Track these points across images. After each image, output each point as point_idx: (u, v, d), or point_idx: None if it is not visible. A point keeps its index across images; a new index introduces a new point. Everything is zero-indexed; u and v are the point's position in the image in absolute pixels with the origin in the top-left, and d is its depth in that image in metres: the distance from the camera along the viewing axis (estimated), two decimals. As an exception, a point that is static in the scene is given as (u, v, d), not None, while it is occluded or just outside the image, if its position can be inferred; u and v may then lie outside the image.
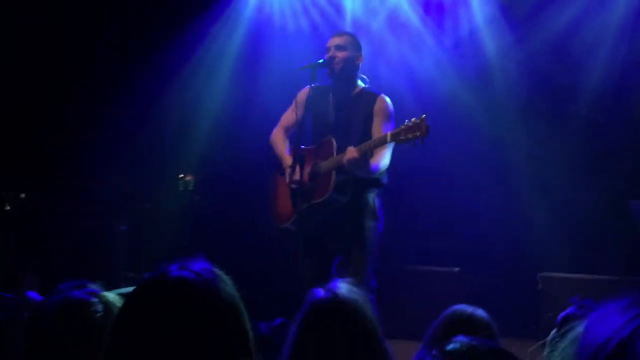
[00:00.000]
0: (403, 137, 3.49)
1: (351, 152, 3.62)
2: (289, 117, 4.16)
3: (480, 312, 2.22)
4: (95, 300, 1.64)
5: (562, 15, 5.22)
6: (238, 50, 5.91)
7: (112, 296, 1.69)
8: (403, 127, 3.51)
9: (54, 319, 1.59)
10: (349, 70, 3.93)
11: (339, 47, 3.91)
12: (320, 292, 1.76)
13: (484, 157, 5.49)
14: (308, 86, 3.93)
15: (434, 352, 1.36)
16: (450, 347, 1.32)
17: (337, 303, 1.70)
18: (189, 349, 1.17)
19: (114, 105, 5.84)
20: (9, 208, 5.49)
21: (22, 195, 5.45)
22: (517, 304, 5.02)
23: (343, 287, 1.78)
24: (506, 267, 5.36)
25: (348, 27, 5.48)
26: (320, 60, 3.88)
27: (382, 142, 3.62)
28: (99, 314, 1.61)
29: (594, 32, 5.14)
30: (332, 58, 3.88)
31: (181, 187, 6.59)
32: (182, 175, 6.56)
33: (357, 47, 3.98)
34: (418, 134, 3.46)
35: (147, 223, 5.91)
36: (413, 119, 3.49)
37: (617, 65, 5.13)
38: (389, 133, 3.58)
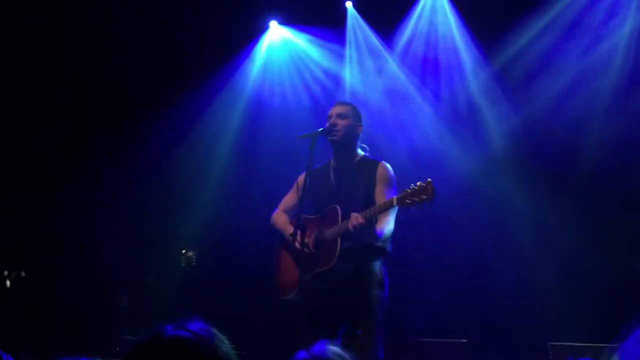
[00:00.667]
0: (409, 201, 3.49)
1: (356, 218, 3.60)
2: (289, 200, 4.18)
3: None
4: None
5: (556, 84, 5.32)
6: (239, 125, 6.01)
7: None
8: (409, 190, 3.51)
9: None
10: (350, 138, 3.96)
11: (340, 116, 3.97)
12: (303, 353, 1.73)
13: (488, 226, 5.47)
14: (305, 171, 3.95)
15: None
16: None
17: None
18: None
19: (114, 182, 5.88)
20: (9, 285, 5.44)
21: (23, 274, 5.41)
22: (529, 376, 4.89)
23: (327, 350, 1.74)
24: (515, 337, 5.24)
25: (347, 99, 5.58)
26: (321, 129, 3.93)
27: (388, 207, 3.61)
28: None
29: (590, 97, 5.22)
30: (334, 125, 3.92)
31: (183, 263, 6.56)
32: (184, 251, 6.54)
33: (358, 116, 4.04)
34: (424, 197, 3.46)
35: (148, 298, 5.84)
36: (419, 183, 3.50)
37: (614, 134, 5.18)
38: (394, 197, 3.57)
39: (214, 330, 1.28)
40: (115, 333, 4.92)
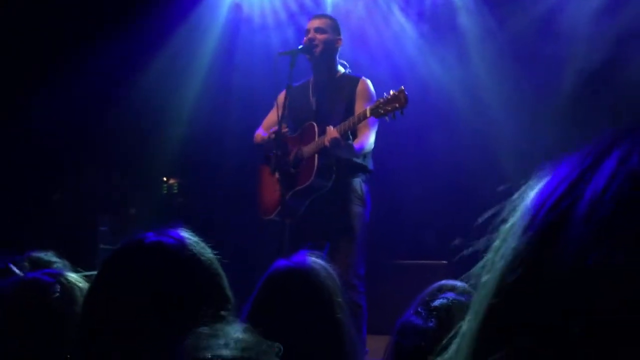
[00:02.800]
0: (382, 110, 3.46)
1: (331, 132, 3.56)
2: (270, 118, 4.11)
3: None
4: (53, 281, 1.54)
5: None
6: (216, 43, 5.84)
7: (74, 276, 1.59)
8: (381, 100, 3.48)
9: (5, 302, 1.49)
10: (329, 53, 3.88)
11: (318, 30, 3.86)
12: (282, 261, 1.74)
13: (471, 147, 5.45)
14: (288, 88, 3.88)
15: (419, 308, 1.30)
16: (436, 302, 1.26)
17: (292, 271, 1.68)
18: (168, 311, 1.13)
19: (95, 105, 5.76)
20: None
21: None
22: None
23: (304, 256, 1.75)
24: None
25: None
26: (300, 46, 3.83)
27: (362, 118, 3.57)
28: (56, 295, 1.50)
29: (573, 17, 5.12)
30: (312, 40, 3.83)
31: (165, 191, 6.53)
32: (165, 179, 6.50)
33: (337, 30, 3.93)
34: (397, 106, 3.43)
35: (130, 225, 5.82)
36: (392, 91, 3.46)
37: (597, 54, 5.11)
38: (368, 108, 3.53)
39: (196, 237, 1.26)
40: (96, 256, 4.91)
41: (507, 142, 5.36)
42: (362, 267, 3.78)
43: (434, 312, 1.23)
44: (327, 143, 3.56)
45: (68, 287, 1.51)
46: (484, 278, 0.54)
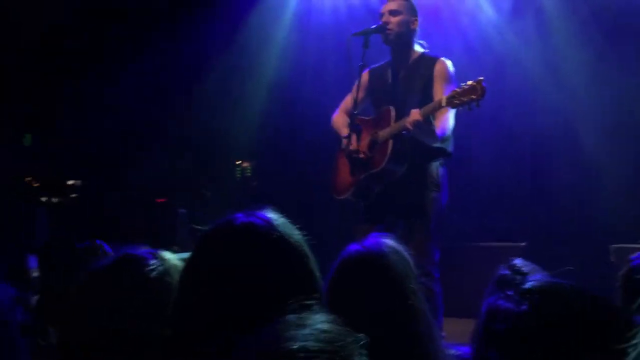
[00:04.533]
0: (458, 101, 3.37)
1: (414, 114, 3.50)
2: (349, 100, 4.09)
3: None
4: (149, 256, 1.58)
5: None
6: (288, 25, 5.85)
7: (169, 254, 1.63)
8: (458, 90, 3.40)
9: (106, 275, 1.54)
10: (405, 34, 3.82)
11: (392, 12, 3.81)
12: (354, 245, 1.71)
13: (549, 127, 5.28)
14: (367, 70, 3.84)
15: (508, 292, 1.26)
16: (528, 285, 1.23)
17: (366, 256, 1.65)
18: (259, 292, 1.15)
19: (171, 90, 5.89)
20: (72, 196, 5.61)
21: (85, 183, 5.56)
22: (589, 278, 4.80)
23: (377, 241, 1.72)
24: (577, 240, 5.14)
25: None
26: (374, 26, 3.79)
27: (438, 106, 3.49)
28: (153, 270, 1.54)
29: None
30: (386, 23, 3.78)
31: (239, 174, 6.63)
32: (239, 162, 6.59)
33: (412, 10, 3.87)
34: (474, 97, 3.33)
35: (206, 209, 5.95)
36: (469, 82, 3.37)
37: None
38: (443, 97, 3.46)
39: (285, 219, 1.26)
40: (177, 235, 5.05)
41: (589, 120, 5.16)
42: (436, 253, 3.73)
43: (527, 295, 1.19)
44: (409, 126, 3.50)
45: (165, 263, 1.55)
46: None
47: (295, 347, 0.83)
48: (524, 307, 1.14)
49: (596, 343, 1.07)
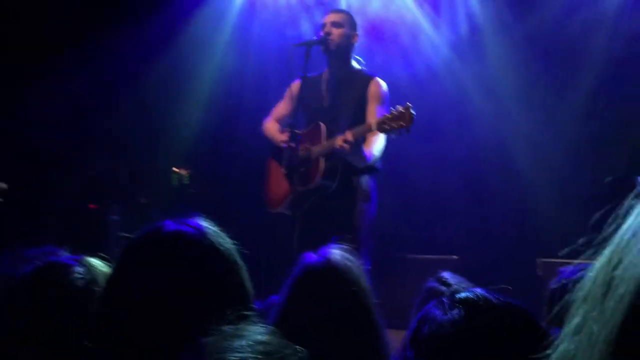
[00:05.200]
0: (388, 126, 3.42)
1: (346, 135, 3.54)
2: (281, 108, 4.12)
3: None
4: (75, 264, 1.53)
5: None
6: (229, 34, 5.81)
7: (96, 261, 1.58)
8: (389, 115, 3.44)
9: (28, 286, 1.47)
10: (345, 47, 3.88)
11: (335, 24, 3.86)
12: (313, 256, 1.69)
13: (481, 141, 5.42)
14: (299, 79, 3.87)
15: (443, 299, 1.28)
16: (463, 295, 1.25)
17: (330, 268, 1.63)
18: (187, 301, 1.12)
19: (106, 93, 5.76)
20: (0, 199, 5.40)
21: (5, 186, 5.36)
22: (517, 291, 4.93)
23: (336, 253, 1.71)
24: (505, 254, 5.28)
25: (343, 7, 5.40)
26: (315, 38, 3.83)
27: (368, 130, 3.54)
28: (80, 278, 1.49)
29: (594, 10, 5.07)
30: (328, 34, 3.82)
31: (175, 181, 6.52)
32: (175, 169, 6.49)
33: (353, 25, 3.93)
34: (403, 124, 3.38)
35: (140, 217, 5.82)
36: (398, 107, 3.42)
37: (617, 48, 5.06)
38: (373, 121, 3.51)
39: (215, 227, 1.24)
40: (107, 243, 4.92)
41: (522, 137, 5.33)
42: (367, 262, 3.77)
43: (459, 304, 1.22)
44: (338, 145, 3.53)
45: (90, 269, 1.50)
46: (616, 277, 0.51)
47: (233, 358, 0.81)
48: (454, 312, 1.16)
49: (513, 354, 1.10)
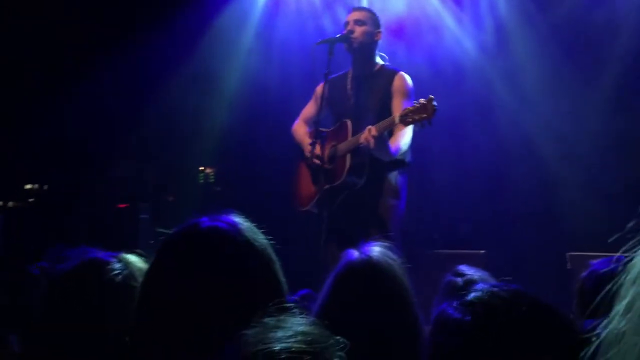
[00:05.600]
0: (410, 119, 3.42)
1: (370, 130, 3.53)
2: (309, 110, 4.14)
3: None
4: (113, 260, 1.57)
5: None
6: (253, 34, 5.85)
7: (133, 257, 1.62)
8: (411, 108, 3.44)
9: (70, 280, 1.52)
10: (368, 44, 3.87)
11: (358, 22, 3.86)
12: (355, 253, 1.71)
13: (507, 135, 5.39)
14: (324, 80, 3.88)
15: (454, 303, 1.29)
16: (471, 296, 1.25)
17: (372, 265, 1.65)
18: (224, 295, 1.14)
19: (133, 96, 5.84)
20: (32, 200, 5.51)
21: (44, 187, 5.46)
22: (546, 285, 4.90)
23: (377, 250, 1.72)
24: (535, 248, 5.24)
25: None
26: (338, 35, 3.83)
27: (391, 124, 3.54)
28: (118, 274, 1.53)
29: (619, 5, 5.01)
30: (351, 32, 3.83)
31: (201, 180, 6.59)
32: (202, 168, 6.55)
33: (376, 23, 3.93)
34: (424, 116, 3.37)
35: (169, 214, 5.89)
36: (421, 100, 3.42)
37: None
38: (396, 115, 3.51)
39: (249, 223, 1.26)
40: (138, 241, 4.99)
41: (547, 130, 5.29)
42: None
43: (469, 307, 1.21)
44: (363, 141, 3.54)
45: (128, 265, 1.53)
46: None
47: (277, 348, 0.82)
48: (467, 318, 1.15)
49: (539, 348, 1.09)
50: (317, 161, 3.79)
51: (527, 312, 1.14)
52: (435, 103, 3.35)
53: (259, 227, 1.30)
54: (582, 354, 0.58)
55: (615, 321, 0.53)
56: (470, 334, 1.12)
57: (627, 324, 0.51)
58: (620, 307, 0.53)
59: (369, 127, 3.56)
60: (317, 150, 3.78)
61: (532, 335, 1.10)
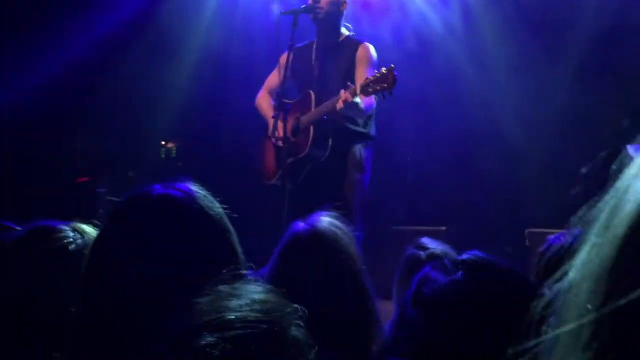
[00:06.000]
0: (371, 89, 3.38)
1: (341, 100, 3.47)
2: (272, 80, 4.09)
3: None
4: (66, 229, 1.51)
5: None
6: (215, 5, 5.74)
7: (88, 228, 1.56)
8: (371, 78, 3.41)
9: (20, 247, 1.45)
10: (333, 14, 3.83)
11: (323, -8, 3.81)
12: (301, 224, 1.70)
13: (471, 112, 5.41)
14: (289, 49, 3.82)
15: (446, 261, 1.30)
16: (464, 257, 1.26)
17: (316, 235, 1.65)
18: (175, 264, 1.09)
19: (92, 68, 5.69)
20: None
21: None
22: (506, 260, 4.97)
23: (324, 220, 1.72)
24: (494, 225, 5.30)
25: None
26: (303, 6, 3.78)
27: (353, 94, 3.48)
28: (71, 242, 1.47)
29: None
30: (316, 2, 3.77)
31: (163, 155, 6.49)
32: (164, 142, 6.45)
33: (342, -7, 3.88)
34: (385, 86, 3.34)
35: (128, 189, 5.78)
36: (382, 69, 3.38)
37: (606, 16, 5.04)
38: (358, 85, 3.45)
39: (205, 191, 1.22)
40: (95, 214, 4.88)
41: (512, 108, 5.32)
42: (359, 233, 3.77)
43: (461, 265, 1.23)
44: (341, 105, 3.45)
45: (83, 234, 1.47)
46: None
47: (232, 317, 0.80)
48: (458, 274, 1.17)
49: (517, 317, 1.10)
50: (279, 142, 3.75)
51: (514, 282, 1.21)
52: (396, 72, 3.33)
53: (215, 197, 1.25)
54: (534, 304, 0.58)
55: (572, 273, 0.52)
56: (458, 289, 1.14)
57: (582, 274, 0.50)
58: (576, 261, 0.52)
59: (342, 92, 3.46)
60: (280, 128, 3.73)
61: (516, 305, 1.13)
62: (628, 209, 0.49)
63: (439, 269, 1.21)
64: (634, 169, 0.53)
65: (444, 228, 5.25)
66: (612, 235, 0.49)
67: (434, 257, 1.98)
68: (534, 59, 5.27)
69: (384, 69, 3.36)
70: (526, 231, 4.91)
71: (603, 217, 0.52)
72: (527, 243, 4.87)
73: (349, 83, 3.49)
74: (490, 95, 5.35)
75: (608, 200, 0.53)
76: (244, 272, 0.94)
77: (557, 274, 0.56)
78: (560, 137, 5.19)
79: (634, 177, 0.51)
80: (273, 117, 3.78)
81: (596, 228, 0.52)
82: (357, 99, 3.46)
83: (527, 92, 5.28)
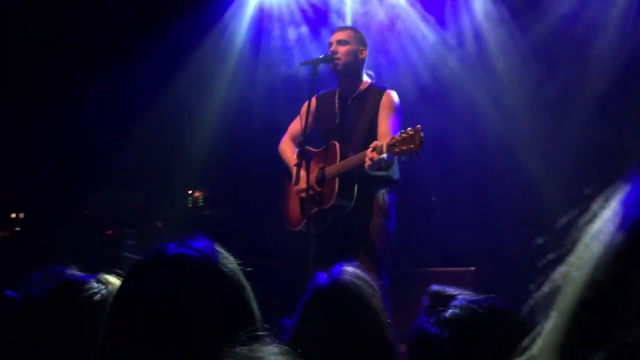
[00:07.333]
0: (398, 149, 3.35)
1: (368, 158, 3.43)
2: (295, 127, 4.12)
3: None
4: (91, 280, 1.54)
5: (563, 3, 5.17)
6: (238, 57, 5.87)
7: (112, 278, 1.58)
8: (398, 137, 3.37)
9: (47, 301, 1.48)
10: (353, 63, 3.87)
11: (340, 42, 3.87)
12: (323, 277, 1.69)
13: (495, 151, 5.40)
14: (315, 96, 3.87)
15: (431, 319, 1.28)
16: (448, 313, 1.25)
17: (339, 289, 1.63)
18: (190, 326, 1.09)
19: (119, 122, 5.81)
20: (18, 228, 5.45)
21: (30, 214, 5.40)
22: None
23: (347, 272, 1.70)
24: (523, 265, 5.23)
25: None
26: (322, 56, 3.83)
27: (379, 152, 3.45)
28: (96, 293, 1.50)
29: (598, 17, 5.06)
30: (334, 53, 3.83)
31: (190, 204, 6.55)
32: (190, 192, 6.53)
33: (361, 40, 3.93)
34: (412, 147, 3.31)
35: (156, 240, 5.83)
36: (409, 129, 3.35)
37: (623, 52, 5.04)
38: (384, 144, 3.42)
39: (218, 248, 1.22)
40: (123, 267, 4.92)
41: (532, 145, 5.30)
42: (385, 280, 3.74)
43: (446, 324, 1.21)
44: (369, 164, 3.43)
45: (107, 284, 1.49)
46: (571, 275, 0.54)
47: None
48: (445, 334, 1.16)
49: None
50: (302, 194, 3.77)
51: (504, 328, 1.14)
52: (422, 134, 3.29)
53: (239, 250, 1.26)
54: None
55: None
56: (449, 350, 1.12)
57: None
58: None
59: (368, 152, 3.44)
60: (302, 179, 3.73)
61: (509, 352, 1.11)
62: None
63: (432, 325, 1.20)
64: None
65: (472, 268, 5.19)
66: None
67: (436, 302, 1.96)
68: (551, 93, 5.28)
69: (410, 130, 3.33)
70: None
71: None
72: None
73: (375, 143, 3.45)
74: (509, 131, 5.35)
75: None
76: (261, 333, 0.94)
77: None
78: (582, 171, 5.15)
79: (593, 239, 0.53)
80: (295, 166, 3.80)
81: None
82: (383, 155, 3.46)
83: (545, 127, 5.27)
